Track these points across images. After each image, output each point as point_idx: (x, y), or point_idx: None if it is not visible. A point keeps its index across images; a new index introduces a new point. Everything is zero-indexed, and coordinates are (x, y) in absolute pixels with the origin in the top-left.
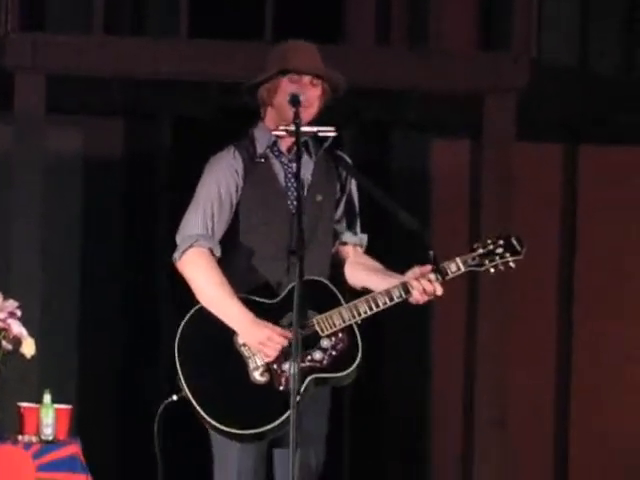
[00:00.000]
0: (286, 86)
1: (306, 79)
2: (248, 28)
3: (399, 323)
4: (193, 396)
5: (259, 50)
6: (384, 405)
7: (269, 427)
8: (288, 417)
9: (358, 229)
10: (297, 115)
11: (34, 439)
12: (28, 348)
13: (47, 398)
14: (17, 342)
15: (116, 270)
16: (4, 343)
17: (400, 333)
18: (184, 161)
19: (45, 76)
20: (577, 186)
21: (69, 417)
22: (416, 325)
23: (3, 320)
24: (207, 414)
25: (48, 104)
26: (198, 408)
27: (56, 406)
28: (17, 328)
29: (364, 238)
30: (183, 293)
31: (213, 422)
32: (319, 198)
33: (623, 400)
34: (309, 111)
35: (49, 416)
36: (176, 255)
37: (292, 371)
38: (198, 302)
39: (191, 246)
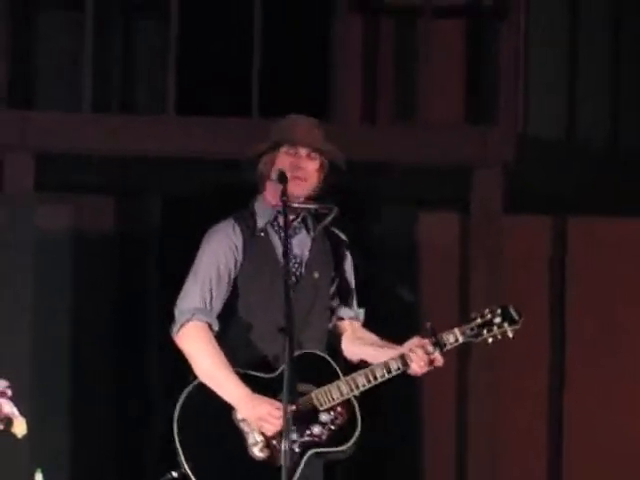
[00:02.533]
0: (283, 159)
1: (303, 152)
2: (235, 105)
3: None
4: (193, 474)
5: (246, 126)
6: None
7: None
8: None
9: (355, 303)
10: (284, 192)
11: None
12: (19, 428)
13: (39, 478)
14: (8, 422)
15: (107, 347)
16: None
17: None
18: (174, 238)
19: (33, 154)
20: (566, 257)
21: None
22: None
23: None
24: None
25: (37, 182)
26: None
27: None
28: (8, 408)
29: (361, 312)
30: (177, 370)
31: None
32: (316, 275)
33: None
34: (304, 185)
35: None
36: (174, 329)
37: (283, 447)
38: (195, 376)
39: (189, 320)
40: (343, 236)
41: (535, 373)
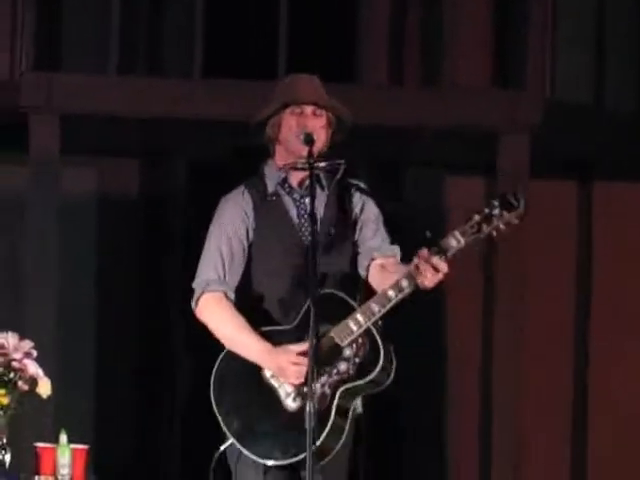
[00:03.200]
0: (289, 119)
1: (308, 110)
2: (261, 68)
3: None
4: (238, 440)
5: (273, 90)
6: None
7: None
8: (328, 431)
9: (386, 243)
10: (310, 154)
11: (51, 479)
12: (44, 388)
13: (63, 438)
14: (33, 382)
15: (132, 309)
16: (20, 383)
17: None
18: (199, 201)
19: (60, 117)
20: (592, 222)
21: (85, 457)
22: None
23: (19, 360)
24: (254, 453)
25: (63, 145)
26: (244, 451)
27: (72, 446)
28: (33, 368)
29: (394, 249)
30: (199, 335)
31: (259, 460)
32: (332, 231)
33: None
34: (317, 144)
35: (65, 456)
36: (193, 304)
37: (308, 409)
38: (219, 343)
39: (203, 292)
40: (362, 184)
41: (560, 325)
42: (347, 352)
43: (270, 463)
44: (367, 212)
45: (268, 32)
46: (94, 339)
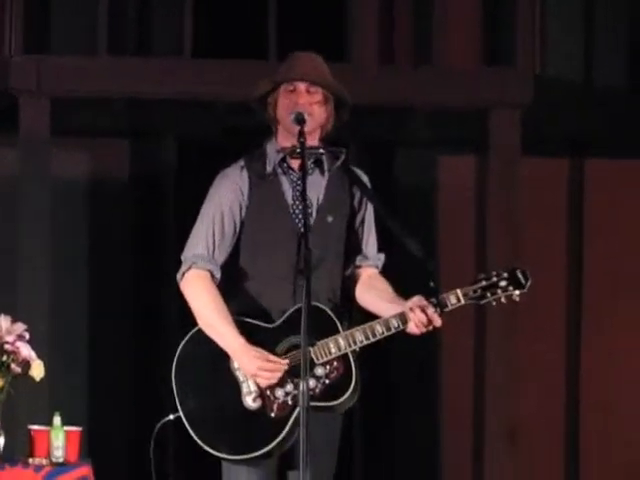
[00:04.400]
0: (284, 97)
1: (301, 87)
2: (251, 48)
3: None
4: (186, 418)
5: (262, 69)
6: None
7: (257, 454)
8: (280, 440)
9: (374, 250)
10: (302, 134)
11: (45, 462)
12: (37, 371)
13: (57, 420)
14: (26, 365)
15: (125, 290)
16: (13, 366)
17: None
18: (190, 181)
19: (50, 99)
20: (583, 200)
21: (79, 439)
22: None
23: (12, 343)
24: (198, 436)
25: (53, 127)
26: (190, 430)
27: (66, 428)
28: (26, 351)
29: (380, 258)
30: (192, 316)
31: (202, 444)
32: (329, 219)
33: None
34: (309, 121)
35: (59, 438)
36: (178, 276)
37: (301, 388)
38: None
39: (190, 268)
40: (365, 177)
41: (552, 317)
42: (319, 371)
43: (222, 455)
44: (366, 211)
45: (258, 11)
46: (87, 321)
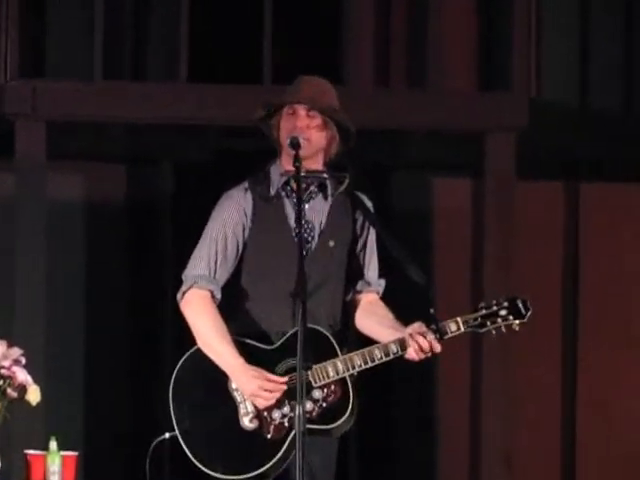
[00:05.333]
0: (285, 120)
1: (301, 112)
2: (247, 72)
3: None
4: (182, 437)
5: (257, 93)
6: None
7: (251, 475)
8: (275, 462)
9: (375, 275)
10: (297, 158)
11: None
12: (33, 395)
13: (53, 445)
14: (22, 390)
15: (121, 316)
16: (9, 391)
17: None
18: (187, 205)
19: (45, 123)
20: (579, 223)
21: (75, 464)
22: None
23: (8, 368)
24: (193, 456)
25: (49, 151)
26: (186, 450)
27: (62, 453)
28: (22, 376)
29: (381, 284)
30: (190, 337)
31: (198, 464)
32: (331, 243)
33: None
34: (307, 145)
35: (55, 463)
36: (178, 295)
37: (297, 412)
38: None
39: (191, 287)
40: (369, 203)
41: (548, 340)
42: (317, 394)
43: (217, 475)
44: (368, 236)
45: (253, 36)
46: (83, 345)
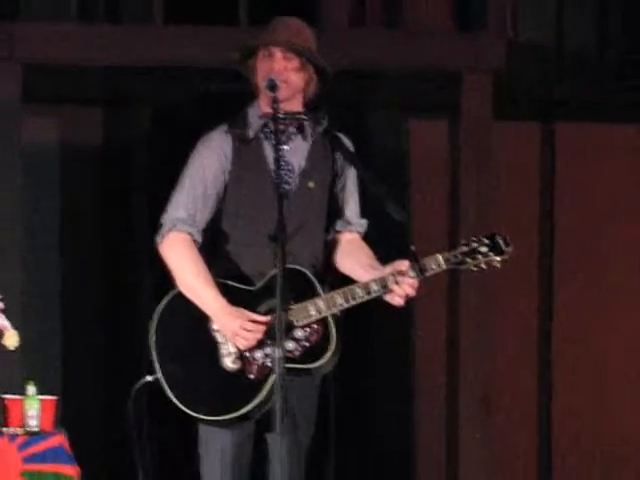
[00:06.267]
0: (261, 63)
1: (278, 54)
2: (223, 13)
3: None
4: (165, 379)
5: (233, 35)
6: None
7: (234, 415)
8: (258, 403)
9: (355, 214)
10: (275, 100)
11: (19, 431)
12: (11, 340)
13: (31, 390)
14: (0, 334)
15: (97, 260)
16: None
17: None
18: (163, 148)
19: (21, 65)
20: (555, 164)
21: (54, 408)
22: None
23: None
24: (176, 398)
25: (24, 94)
26: (168, 392)
27: (40, 397)
28: (0, 320)
29: (362, 224)
30: (167, 283)
31: (181, 406)
32: (311, 185)
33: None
34: (285, 87)
35: (33, 407)
36: (157, 238)
37: (277, 354)
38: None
39: (170, 230)
40: (348, 142)
41: (524, 286)
42: (299, 333)
43: (199, 416)
44: (348, 176)
45: None
46: (60, 290)
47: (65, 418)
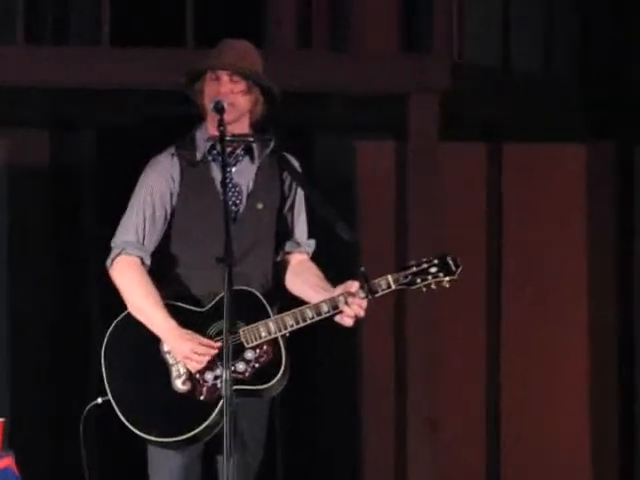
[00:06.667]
0: (208, 85)
1: (225, 77)
2: (170, 34)
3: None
4: (115, 401)
5: (181, 56)
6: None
7: (184, 437)
8: (207, 426)
9: (304, 236)
10: (222, 123)
11: None
12: None
13: None
14: None
15: (46, 281)
16: None
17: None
18: (110, 171)
19: None
20: (502, 184)
21: (2, 430)
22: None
23: None
24: (127, 420)
25: None
26: (119, 413)
27: None
28: None
29: (310, 245)
30: (114, 300)
31: (131, 428)
32: (259, 206)
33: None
34: (231, 110)
35: None
36: (108, 262)
37: (224, 377)
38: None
39: (119, 254)
40: (296, 163)
41: (473, 296)
42: (249, 354)
43: (149, 437)
44: (296, 197)
45: None
46: (7, 309)
47: (13, 439)
